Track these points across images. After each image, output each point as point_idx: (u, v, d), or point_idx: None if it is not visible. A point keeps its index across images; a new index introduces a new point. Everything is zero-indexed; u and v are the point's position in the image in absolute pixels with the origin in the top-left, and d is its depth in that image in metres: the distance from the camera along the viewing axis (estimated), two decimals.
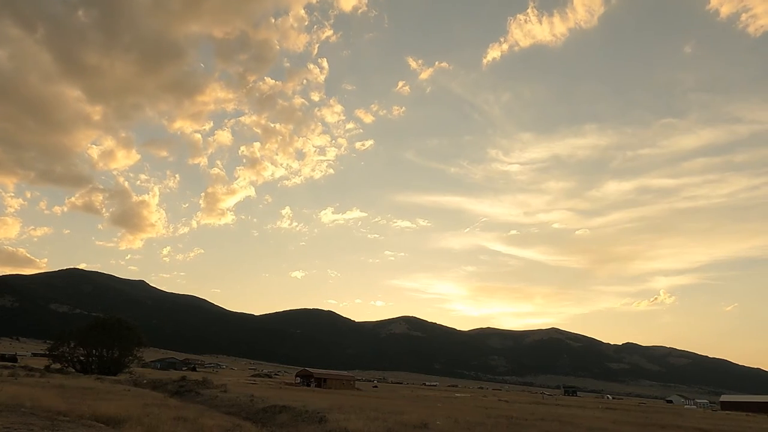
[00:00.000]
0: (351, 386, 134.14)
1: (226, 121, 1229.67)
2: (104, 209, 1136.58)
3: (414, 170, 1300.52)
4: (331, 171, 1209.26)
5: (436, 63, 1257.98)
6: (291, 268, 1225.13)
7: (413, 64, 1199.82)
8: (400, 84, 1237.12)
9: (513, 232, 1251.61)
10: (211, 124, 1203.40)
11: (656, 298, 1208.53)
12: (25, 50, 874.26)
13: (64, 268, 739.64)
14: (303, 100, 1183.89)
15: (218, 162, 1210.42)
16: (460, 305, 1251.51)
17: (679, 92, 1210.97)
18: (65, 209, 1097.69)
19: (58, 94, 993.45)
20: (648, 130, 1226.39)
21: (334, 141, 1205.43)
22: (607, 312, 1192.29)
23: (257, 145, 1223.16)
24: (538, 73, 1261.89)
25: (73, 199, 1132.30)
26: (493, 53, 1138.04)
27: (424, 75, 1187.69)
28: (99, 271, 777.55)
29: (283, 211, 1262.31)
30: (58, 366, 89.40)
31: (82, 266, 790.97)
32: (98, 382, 57.84)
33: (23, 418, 20.67)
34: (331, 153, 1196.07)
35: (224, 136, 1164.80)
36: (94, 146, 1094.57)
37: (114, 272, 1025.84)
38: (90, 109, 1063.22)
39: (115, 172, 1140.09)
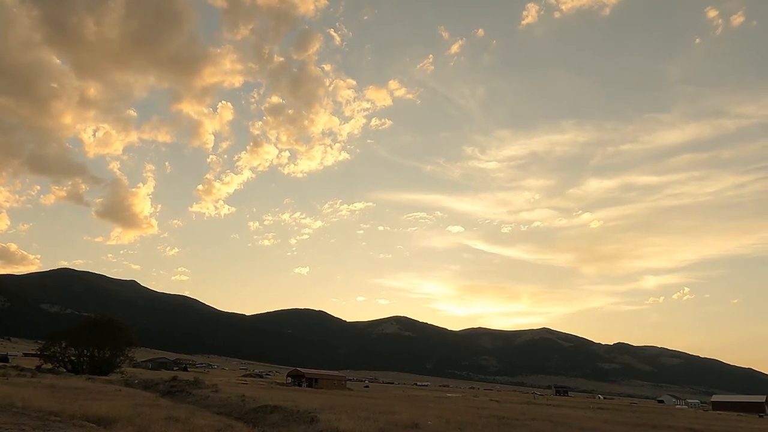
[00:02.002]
0: (342, 386, 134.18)
1: (229, 98, 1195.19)
2: (94, 201, 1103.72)
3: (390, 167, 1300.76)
4: (346, 155, 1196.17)
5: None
6: (286, 266, 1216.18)
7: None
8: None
9: (495, 230, 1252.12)
10: (214, 102, 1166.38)
11: (646, 298, 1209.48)
12: (3, 9, 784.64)
13: (56, 268, 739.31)
14: (317, 70, 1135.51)
15: (221, 144, 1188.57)
16: (447, 305, 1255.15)
17: (663, 85, 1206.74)
18: (54, 200, 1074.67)
19: (42, 65, 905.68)
20: (629, 125, 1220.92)
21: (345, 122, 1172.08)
22: (597, 311, 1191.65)
23: (260, 125, 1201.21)
24: (513, 66, 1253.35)
25: (61, 189, 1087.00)
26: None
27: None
28: (90, 270, 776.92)
29: (286, 202, 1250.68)
30: (49, 366, 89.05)
31: (75, 263, 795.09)
32: (89, 382, 57.65)
33: (14, 418, 20.66)
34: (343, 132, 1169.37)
35: (226, 115, 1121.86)
36: (82, 128, 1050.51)
37: (105, 267, 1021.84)
38: (79, 85, 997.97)
39: (108, 158, 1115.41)
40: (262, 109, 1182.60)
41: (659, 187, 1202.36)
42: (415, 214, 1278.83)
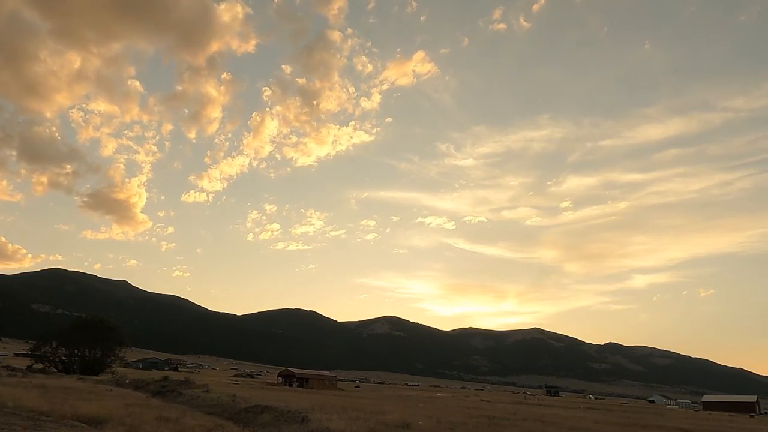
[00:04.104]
0: (333, 386, 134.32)
1: (234, 69, 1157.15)
2: (86, 191, 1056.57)
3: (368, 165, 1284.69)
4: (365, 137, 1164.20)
5: None
6: (279, 267, 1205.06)
7: None
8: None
9: (477, 228, 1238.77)
10: (216, 77, 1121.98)
11: (636, 298, 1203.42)
12: None
13: (47, 267, 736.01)
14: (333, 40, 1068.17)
15: (225, 125, 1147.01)
16: (434, 304, 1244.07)
17: (646, 77, 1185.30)
18: (42, 190, 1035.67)
19: (24, 35, 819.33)
20: (609, 119, 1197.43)
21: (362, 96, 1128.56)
22: (586, 311, 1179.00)
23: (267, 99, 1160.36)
24: (488, 59, 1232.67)
25: (51, 178, 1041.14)
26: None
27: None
28: (81, 271, 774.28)
29: (284, 195, 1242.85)
30: (40, 366, 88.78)
31: (69, 258, 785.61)
32: (80, 382, 57.54)
33: (5, 419, 20.68)
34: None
35: (230, 88, 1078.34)
36: (66, 104, 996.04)
37: (100, 262, 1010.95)
38: (65, 56, 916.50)
39: (101, 142, 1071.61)
40: (270, 81, 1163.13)
41: (643, 185, 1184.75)
42: (397, 212, 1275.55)
